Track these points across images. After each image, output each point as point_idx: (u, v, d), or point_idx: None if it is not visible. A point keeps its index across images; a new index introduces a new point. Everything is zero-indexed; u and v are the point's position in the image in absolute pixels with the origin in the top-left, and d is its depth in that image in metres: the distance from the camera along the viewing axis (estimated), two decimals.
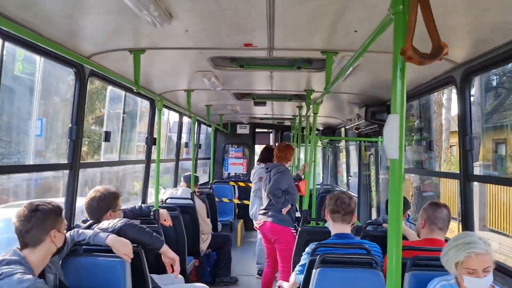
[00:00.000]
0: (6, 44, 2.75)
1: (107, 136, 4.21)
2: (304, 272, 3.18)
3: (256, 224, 5.61)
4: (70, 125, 3.51)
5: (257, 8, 2.45)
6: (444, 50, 1.35)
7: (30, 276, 2.29)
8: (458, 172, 3.53)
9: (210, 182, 9.45)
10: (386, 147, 1.53)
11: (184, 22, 2.72)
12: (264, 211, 5.50)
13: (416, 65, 1.42)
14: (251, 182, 7.45)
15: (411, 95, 4.60)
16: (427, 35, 2.80)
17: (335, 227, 3.35)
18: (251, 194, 7.17)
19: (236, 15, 2.61)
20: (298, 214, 5.89)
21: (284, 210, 5.34)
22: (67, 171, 3.55)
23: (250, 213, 7.10)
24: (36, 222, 2.46)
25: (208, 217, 6.66)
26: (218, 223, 8.25)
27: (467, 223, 3.47)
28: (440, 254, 2.65)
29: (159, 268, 3.74)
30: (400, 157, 1.52)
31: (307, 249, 3.35)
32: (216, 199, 8.60)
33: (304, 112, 6.79)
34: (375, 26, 2.10)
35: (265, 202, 5.58)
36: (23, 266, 2.35)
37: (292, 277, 3.53)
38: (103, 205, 3.43)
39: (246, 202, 10.19)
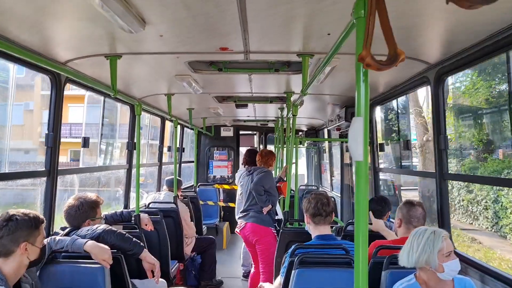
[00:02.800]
0: None
1: (86, 142, 4.19)
2: (285, 273, 3.21)
3: (237, 228, 5.63)
4: (46, 132, 3.49)
5: (228, 12, 2.47)
6: (401, 56, 1.39)
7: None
8: (434, 171, 3.60)
9: (194, 185, 9.43)
10: (351, 149, 1.56)
11: (158, 27, 2.72)
12: (244, 213, 5.53)
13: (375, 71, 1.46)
14: (236, 185, 7.46)
15: (387, 96, 4.67)
16: (402, 40, 2.88)
17: (317, 229, 3.37)
18: (237, 197, 7.16)
19: (208, 20, 2.62)
20: (280, 216, 5.92)
21: (265, 210, 5.40)
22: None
23: (237, 216, 7.10)
24: (6, 232, 2.43)
25: (192, 220, 6.64)
26: (203, 226, 8.22)
27: (443, 220, 3.54)
28: (401, 256, 2.74)
29: (141, 273, 3.73)
30: (365, 159, 1.55)
31: (289, 251, 3.38)
32: (201, 202, 8.57)
33: (285, 113, 6.83)
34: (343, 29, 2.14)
35: (245, 203, 5.61)
36: None
37: (278, 279, 3.55)
38: (81, 214, 3.42)
39: (231, 204, 10.21)
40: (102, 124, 5.92)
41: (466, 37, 2.79)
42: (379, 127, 5.80)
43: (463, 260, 3.26)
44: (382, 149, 5.32)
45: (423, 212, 3.34)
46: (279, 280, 3.50)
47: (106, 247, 3.11)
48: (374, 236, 3.60)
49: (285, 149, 7.52)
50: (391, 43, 1.41)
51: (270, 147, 11.17)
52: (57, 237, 3.15)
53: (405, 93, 4.40)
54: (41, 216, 2.61)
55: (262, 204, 5.40)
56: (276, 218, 5.73)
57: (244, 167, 7.15)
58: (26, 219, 2.49)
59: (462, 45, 2.95)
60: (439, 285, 2.63)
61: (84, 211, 3.44)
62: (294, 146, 5.26)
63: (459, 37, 2.82)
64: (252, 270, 5.75)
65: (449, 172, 3.54)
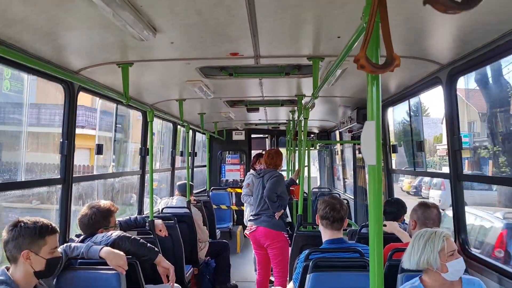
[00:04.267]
0: None
1: (100, 150, 4.23)
2: (299, 278, 3.20)
3: (246, 231, 5.62)
4: (61, 140, 3.53)
5: (238, 18, 2.48)
6: (396, 61, 1.41)
7: None
8: (448, 172, 3.56)
9: (207, 189, 9.46)
10: (364, 153, 1.55)
11: (168, 34, 2.75)
12: (256, 216, 5.49)
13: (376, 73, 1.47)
14: None
15: (399, 97, 4.64)
16: (413, 41, 2.86)
17: (326, 233, 3.35)
18: (245, 199, 7.20)
19: (219, 26, 2.63)
20: (289, 219, 5.91)
21: (277, 215, 5.39)
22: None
23: (244, 219, 7.17)
24: (11, 238, 2.44)
25: (205, 224, 6.66)
26: (217, 230, 8.25)
27: (459, 222, 3.49)
28: (403, 259, 2.71)
29: (155, 278, 3.75)
30: (378, 163, 1.54)
31: (301, 256, 3.36)
32: (214, 206, 8.60)
33: (297, 116, 6.82)
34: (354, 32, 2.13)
35: (256, 207, 5.57)
36: (9, 287, 2.35)
37: (291, 284, 3.54)
38: (93, 223, 3.44)
39: (244, 208, 10.22)
40: (115, 130, 5.97)
41: (477, 37, 2.76)
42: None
43: (480, 262, 3.22)
44: (395, 151, 5.28)
45: (438, 214, 3.31)
46: (291, 285, 3.48)
47: (121, 253, 3.13)
48: (388, 238, 3.57)
49: (297, 151, 7.52)
50: (388, 48, 1.44)
51: (282, 150, 11.18)
52: (73, 244, 3.18)
53: (417, 94, 4.36)
54: (52, 226, 2.54)
55: (274, 210, 5.38)
56: (287, 221, 5.73)
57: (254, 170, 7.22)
58: (31, 227, 2.45)
59: (474, 45, 2.92)
60: (445, 286, 2.58)
61: (96, 221, 3.45)
62: (306, 148, 5.25)
63: (471, 37, 2.80)
64: (257, 277, 5.73)
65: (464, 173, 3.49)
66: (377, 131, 1.52)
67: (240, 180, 10.97)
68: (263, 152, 7.59)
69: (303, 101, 5.30)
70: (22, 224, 2.46)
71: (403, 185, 30.01)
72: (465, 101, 24.84)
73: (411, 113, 5.08)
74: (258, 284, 5.68)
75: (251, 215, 5.66)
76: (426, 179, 25.21)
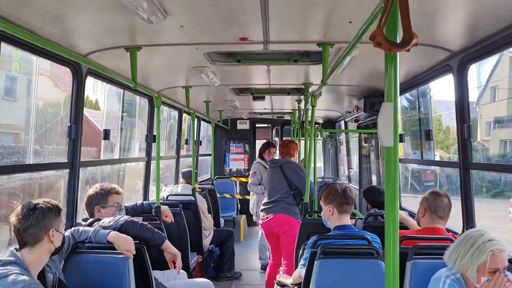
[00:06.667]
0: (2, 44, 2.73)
1: (107, 135, 4.23)
2: (306, 264, 3.20)
3: (260, 220, 5.56)
4: (69, 124, 3.52)
5: (250, 1, 2.45)
6: (414, 40, 1.39)
7: (24, 277, 2.29)
8: (457, 161, 3.54)
9: (211, 178, 9.47)
10: (381, 135, 1.54)
11: (178, 18, 2.72)
12: (271, 205, 5.41)
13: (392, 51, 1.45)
14: None
15: (408, 85, 4.60)
16: (424, 27, 2.82)
17: (339, 219, 3.35)
18: (256, 189, 7.17)
19: (230, 10, 2.61)
20: None
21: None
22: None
23: (250, 208, 7.19)
24: (34, 221, 2.45)
25: (210, 213, 6.68)
26: (221, 219, 8.27)
27: (467, 211, 3.48)
28: (446, 252, 2.54)
29: (162, 264, 3.76)
30: (395, 145, 1.53)
31: (309, 242, 3.37)
32: (218, 195, 8.61)
33: (303, 105, 6.79)
34: (368, 16, 2.11)
35: (273, 195, 5.47)
36: (19, 267, 2.35)
37: (297, 271, 3.54)
38: (92, 200, 3.49)
39: (248, 197, 10.23)
40: (122, 119, 5.96)
41: (490, 23, 2.72)
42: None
43: None
44: (402, 140, 5.25)
45: (449, 203, 3.29)
46: (298, 272, 3.49)
47: (129, 237, 3.13)
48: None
49: (302, 141, 7.50)
50: (406, 26, 1.42)
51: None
52: (80, 228, 3.18)
53: (427, 82, 4.32)
54: (59, 204, 2.65)
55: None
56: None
57: (260, 158, 7.22)
58: (50, 207, 2.53)
59: (486, 32, 2.88)
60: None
61: (95, 198, 3.51)
62: (313, 138, 5.22)
63: (483, 23, 2.76)
64: (270, 261, 5.72)
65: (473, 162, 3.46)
66: (395, 113, 1.51)
67: (244, 169, 10.98)
68: (270, 141, 7.60)
69: (310, 89, 5.26)
70: (42, 205, 2.51)
71: None
72: None
73: (420, 101, 5.04)
74: (271, 267, 5.64)
75: (264, 203, 5.58)
76: None
